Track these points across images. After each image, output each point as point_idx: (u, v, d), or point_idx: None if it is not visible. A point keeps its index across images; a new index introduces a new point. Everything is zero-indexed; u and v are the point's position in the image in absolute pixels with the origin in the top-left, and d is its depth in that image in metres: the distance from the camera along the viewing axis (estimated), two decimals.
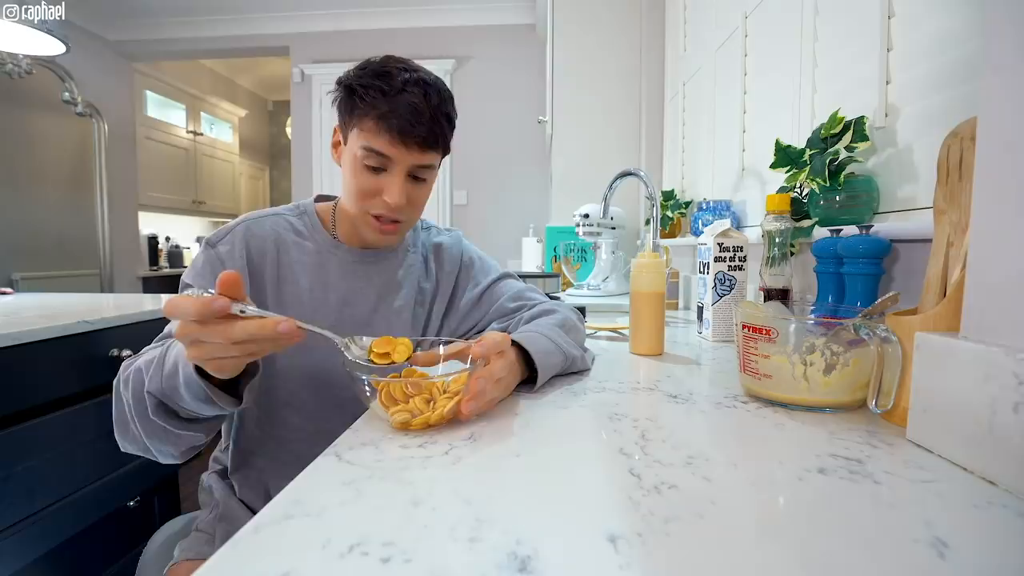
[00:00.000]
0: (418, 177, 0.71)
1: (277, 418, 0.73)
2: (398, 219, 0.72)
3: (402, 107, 0.65)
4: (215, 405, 0.52)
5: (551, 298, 0.85)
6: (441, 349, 0.60)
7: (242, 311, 0.44)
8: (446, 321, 0.84)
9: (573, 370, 0.71)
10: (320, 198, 0.83)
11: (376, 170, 0.69)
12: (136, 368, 0.57)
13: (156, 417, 0.55)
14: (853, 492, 0.36)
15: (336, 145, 0.75)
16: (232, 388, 0.54)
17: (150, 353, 0.58)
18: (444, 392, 0.52)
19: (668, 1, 2.05)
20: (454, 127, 0.72)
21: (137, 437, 0.58)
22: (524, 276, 1.35)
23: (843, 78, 0.86)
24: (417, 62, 0.71)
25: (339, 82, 0.69)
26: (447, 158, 3.44)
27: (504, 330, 0.78)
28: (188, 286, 0.68)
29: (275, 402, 0.73)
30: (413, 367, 0.57)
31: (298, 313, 0.70)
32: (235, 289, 0.45)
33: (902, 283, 0.73)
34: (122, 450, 0.61)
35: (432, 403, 0.50)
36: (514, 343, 0.62)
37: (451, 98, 0.71)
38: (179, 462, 0.63)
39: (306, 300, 0.73)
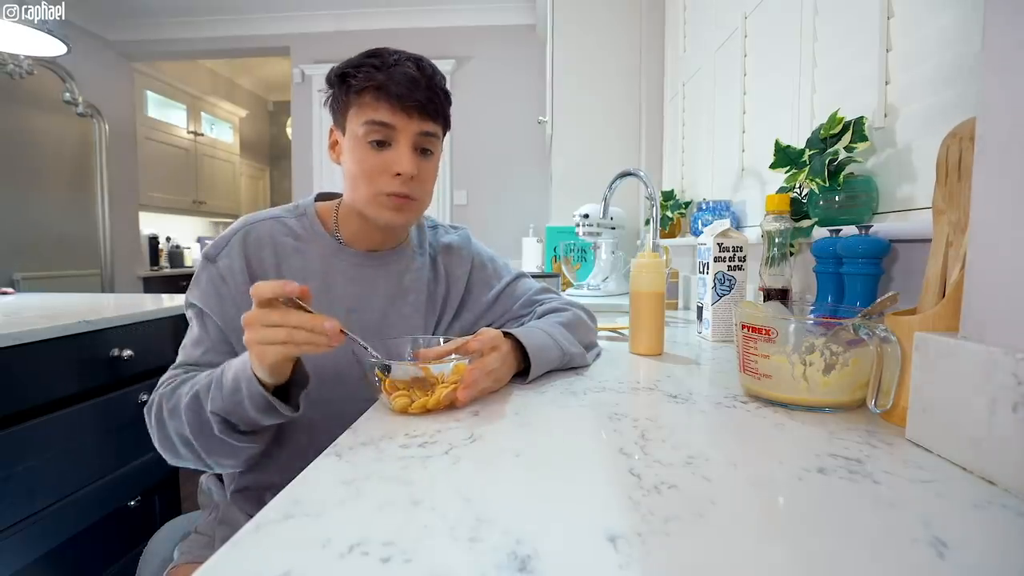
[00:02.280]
0: (425, 149, 0.70)
1: (286, 439, 0.72)
2: (411, 195, 0.70)
3: (398, 75, 0.65)
4: (275, 413, 0.57)
5: None
6: (442, 342, 0.67)
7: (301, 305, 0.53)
8: (457, 322, 0.82)
9: (572, 366, 0.73)
10: (321, 196, 0.81)
11: (381, 144, 0.67)
12: (192, 396, 0.61)
13: (223, 435, 0.59)
14: (853, 492, 0.36)
15: (334, 145, 0.73)
16: (287, 400, 0.59)
17: (193, 382, 0.62)
18: (442, 382, 0.56)
19: (668, 1, 2.05)
20: (450, 102, 0.72)
21: (195, 455, 0.63)
22: None
23: (843, 78, 0.86)
24: None
25: (328, 78, 0.69)
26: (447, 158, 3.48)
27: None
28: (195, 306, 0.69)
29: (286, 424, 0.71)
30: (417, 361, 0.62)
31: None
32: (305, 295, 0.53)
33: (901, 283, 0.73)
34: (171, 464, 0.67)
35: (431, 391, 0.54)
36: (511, 336, 0.65)
37: (443, 76, 0.71)
38: (240, 470, 0.70)
39: (311, 307, 0.71)
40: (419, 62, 0.67)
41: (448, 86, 0.73)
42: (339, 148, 0.72)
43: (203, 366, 0.67)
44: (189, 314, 0.71)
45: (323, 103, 0.71)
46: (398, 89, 0.65)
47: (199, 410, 0.60)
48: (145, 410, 0.66)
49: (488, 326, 0.83)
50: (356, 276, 0.74)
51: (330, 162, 0.77)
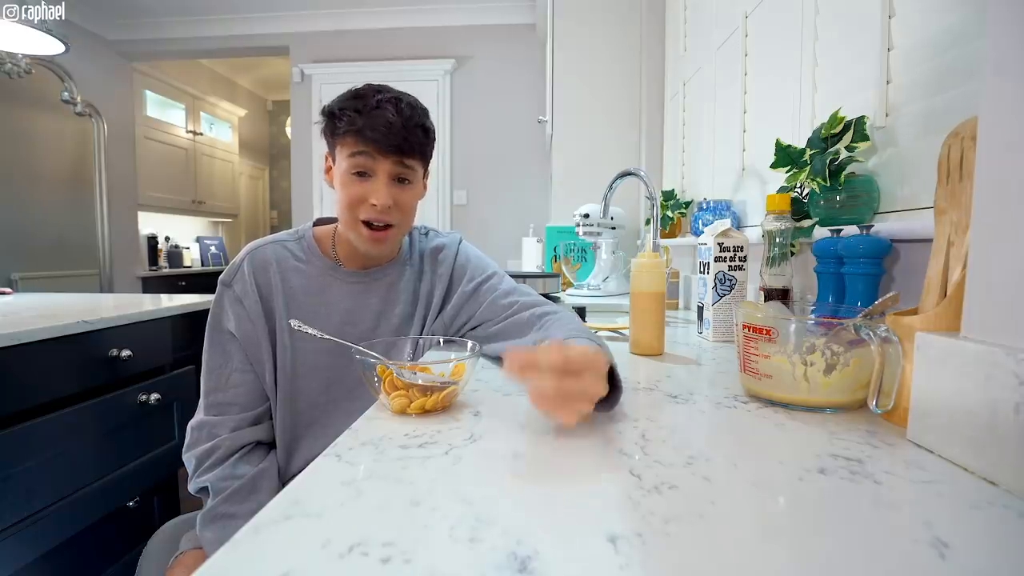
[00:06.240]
0: (403, 179, 0.76)
1: (302, 446, 0.79)
2: (389, 222, 0.75)
3: (377, 122, 0.71)
4: None
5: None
6: (442, 341, 0.67)
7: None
8: (440, 318, 0.84)
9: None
10: (320, 222, 0.87)
11: (362, 176, 0.74)
12: (223, 478, 0.73)
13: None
14: (853, 492, 0.36)
15: (328, 170, 0.81)
16: None
17: (224, 475, 0.73)
18: (441, 382, 0.56)
19: (668, 1, 2.05)
20: (431, 137, 0.78)
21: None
22: (524, 276, 1.35)
23: (843, 78, 0.86)
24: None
25: (322, 111, 0.76)
26: (447, 158, 3.47)
27: (500, 333, 0.80)
28: (230, 333, 0.76)
29: (300, 431, 0.79)
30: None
31: (304, 336, 0.75)
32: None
33: (902, 283, 0.73)
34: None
35: (429, 391, 0.54)
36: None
37: (425, 112, 0.77)
38: None
39: (310, 323, 0.73)
40: (399, 103, 0.73)
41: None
42: (332, 173, 0.79)
43: (228, 405, 0.76)
44: (214, 339, 0.77)
45: (320, 132, 0.78)
46: (374, 134, 0.71)
47: (222, 486, 0.72)
48: (183, 456, 0.76)
49: (467, 321, 0.84)
50: (350, 292, 0.81)
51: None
